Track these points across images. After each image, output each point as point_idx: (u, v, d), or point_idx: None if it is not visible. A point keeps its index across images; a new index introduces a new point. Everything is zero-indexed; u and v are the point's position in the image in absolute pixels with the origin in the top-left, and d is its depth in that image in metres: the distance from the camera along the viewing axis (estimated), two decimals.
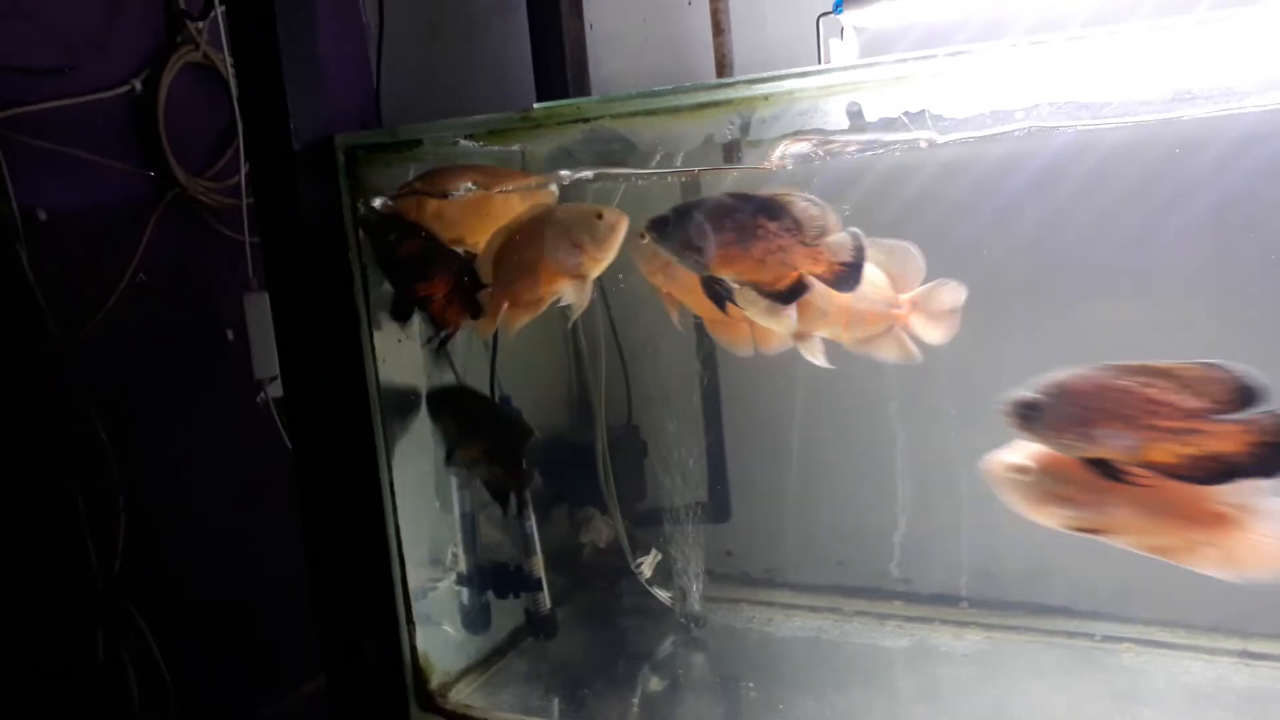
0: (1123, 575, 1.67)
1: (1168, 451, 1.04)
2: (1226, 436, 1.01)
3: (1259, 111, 1.04)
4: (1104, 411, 1.06)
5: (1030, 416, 1.10)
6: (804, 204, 1.22)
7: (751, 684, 1.62)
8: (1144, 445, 1.05)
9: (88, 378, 1.73)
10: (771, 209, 1.22)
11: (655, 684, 1.68)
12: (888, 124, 1.14)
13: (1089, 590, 1.68)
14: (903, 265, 1.31)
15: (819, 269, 1.23)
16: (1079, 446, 1.08)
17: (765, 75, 1.17)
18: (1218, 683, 1.50)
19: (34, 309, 1.66)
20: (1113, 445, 1.07)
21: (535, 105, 1.32)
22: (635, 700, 1.63)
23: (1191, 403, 1.02)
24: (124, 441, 1.77)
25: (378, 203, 1.50)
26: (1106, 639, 1.62)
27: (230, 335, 1.97)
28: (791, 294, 1.24)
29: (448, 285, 1.49)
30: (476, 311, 1.49)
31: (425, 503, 1.67)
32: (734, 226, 1.23)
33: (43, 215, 1.69)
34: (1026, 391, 1.11)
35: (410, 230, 1.49)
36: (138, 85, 1.86)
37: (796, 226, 1.22)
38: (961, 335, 1.61)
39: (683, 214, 1.25)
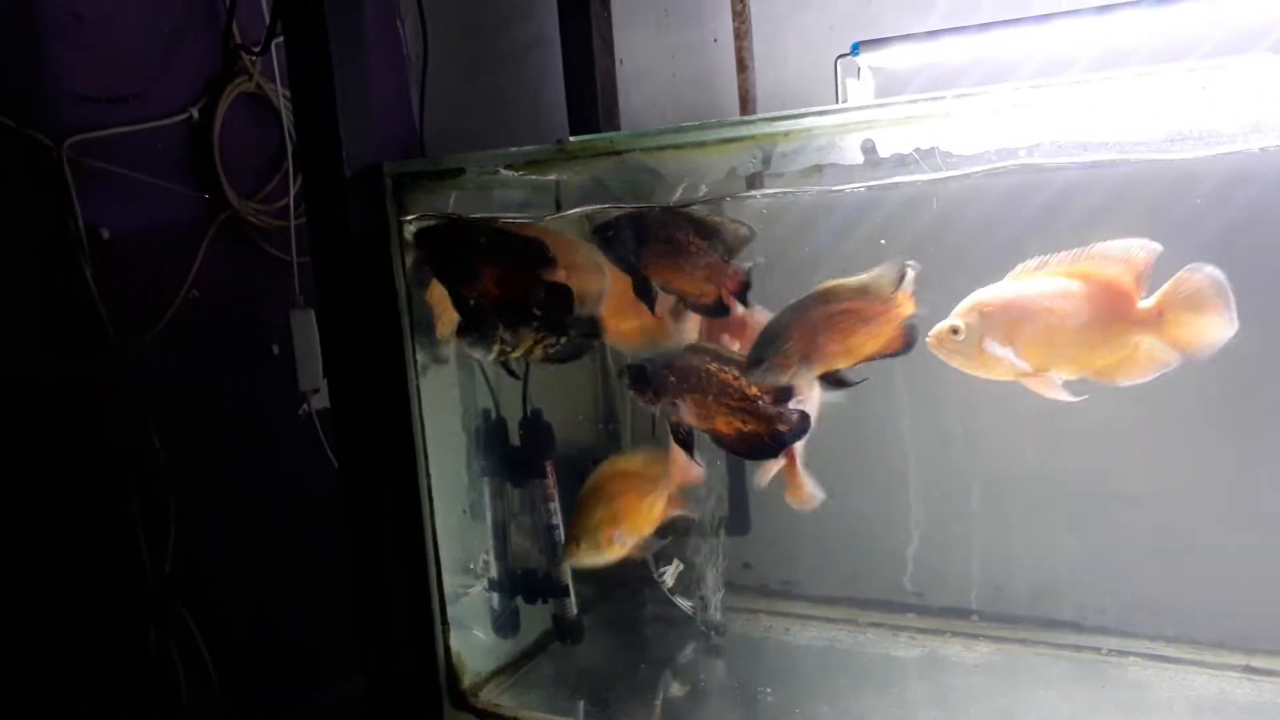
0: (1130, 592, 1.73)
1: (728, 424, 1.34)
2: (766, 420, 1.32)
3: (1243, 153, 1.12)
4: (689, 386, 1.34)
5: (638, 381, 1.37)
6: (732, 225, 1.36)
7: (769, 690, 1.68)
8: (714, 417, 1.33)
9: (144, 388, 1.83)
10: (704, 228, 1.36)
11: (676, 688, 1.74)
12: (900, 160, 1.22)
13: (1097, 606, 1.74)
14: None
15: (731, 285, 1.38)
16: (670, 410, 1.37)
17: (786, 114, 1.26)
18: (1220, 696, 1.55)
19: (96, 322, 1.77)
20: (693, 413, 1.35)
21: (571, 138, 1.41)
22: (657, 703, 1.69)
23: (750, 390, 1.31)
24: (176, 448, 1.86)
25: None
26: (1113, 653, 1.68)
27: (276, 350, 2.07)
28: (715, 311, 1.40)
29: (494, 275, 1.54)
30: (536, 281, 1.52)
31: (459, 511, 1.75)
32: (667, 238, 1.36)
33: (105, 234, 1.79)
34: (638, 361, 1.39)
35: (449, 240, 1.57)
36: (195, 113, 1.97)
37: (724, 247, 1.35)
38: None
39: (625, 223, 1.39)
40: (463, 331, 1.56)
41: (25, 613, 1.66)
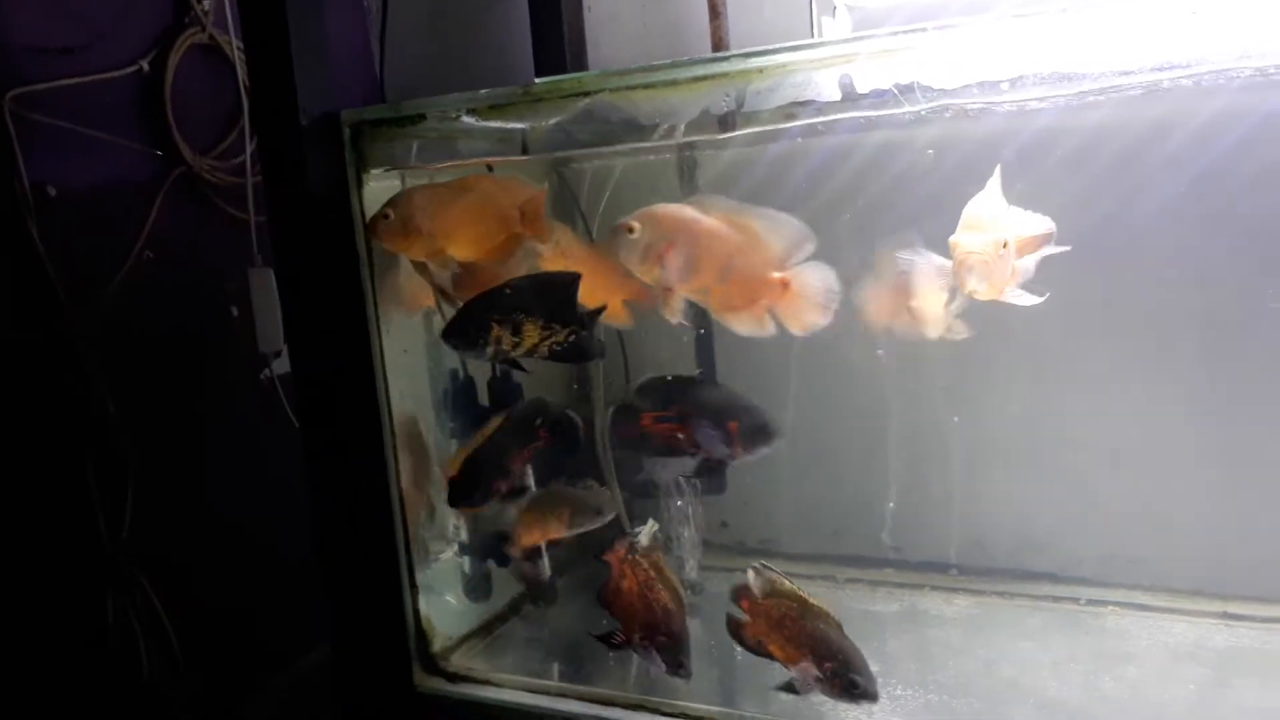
0: (1108, 543, 1.72)
1: None
2: None
3: (1233, 88, 1.09)
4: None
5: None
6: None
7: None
8: None
9: (98, 351, 1.76)
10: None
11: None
12: (879, 95, 1.18)
13: (1075, 557, 1.73)
14: (783, 238, 1.36)
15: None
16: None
17: (760, 49, 1.21)
18: (1199, 642, 1.55)
19: (45, 284, 1.69)
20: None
21: (537, 80, 1.36)
22: (632, 663, 1.66)
23: None
24: (132, 413, 1.80)
25: None
26: (1091, 603, 1.67)
27: (235, 312, 2.01)
28: None
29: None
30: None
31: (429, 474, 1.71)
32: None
33: (52, 191, 1.72)
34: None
35: None
36: (145, 65, 1.89)
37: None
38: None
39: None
40: (450, 334, 1.43)
41: None
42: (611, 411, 1.50)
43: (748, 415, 1.45)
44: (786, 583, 1.36)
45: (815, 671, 1.29)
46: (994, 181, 1.30)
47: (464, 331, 1.42)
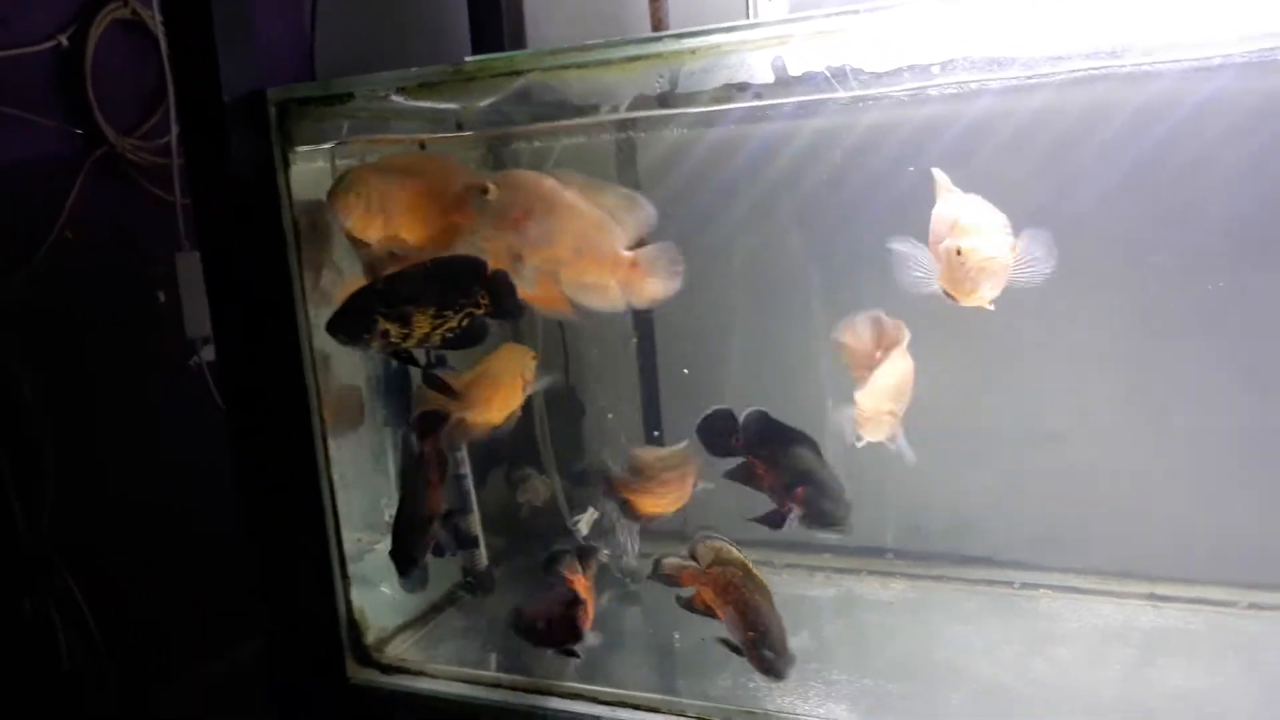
0: (1041, 527, 1.74)
1: None
2: None
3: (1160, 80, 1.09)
4: None
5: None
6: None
7: (679, 634, 1.65)
8: None
9: (13, 337, 1.70)
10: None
11: (591, 637, 1.69)
12: (811, 78, 1.17)
13: (1009, 542, 1.75)
14: (634, 217, 1.34)
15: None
16: None
17: (693, 30, 1.20)
18: (1127, 623, 1.58)
19: None
20: None
21: (468, 58, 1.33)
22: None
23: None
24: (52, 401, 1.74)
25: None
26: (1024, 586, 1.69)
27: (162, 296, 1.95)
28: None
29: None
30: None
31: (361, 462, 1.67)
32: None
33: None
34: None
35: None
36: (64, 40, 1.82)
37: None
38: (889, 300, 1.66)
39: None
40: (334, 326, 1.33)
41: None
42: (706, 414, 1.48)
43: (819, 491, 1.42)
44: (735, 550, 1.41)
45: (742, 634, 1.33)
46: (944, 183, 1.28)
47: (347, 325, 1.33)
